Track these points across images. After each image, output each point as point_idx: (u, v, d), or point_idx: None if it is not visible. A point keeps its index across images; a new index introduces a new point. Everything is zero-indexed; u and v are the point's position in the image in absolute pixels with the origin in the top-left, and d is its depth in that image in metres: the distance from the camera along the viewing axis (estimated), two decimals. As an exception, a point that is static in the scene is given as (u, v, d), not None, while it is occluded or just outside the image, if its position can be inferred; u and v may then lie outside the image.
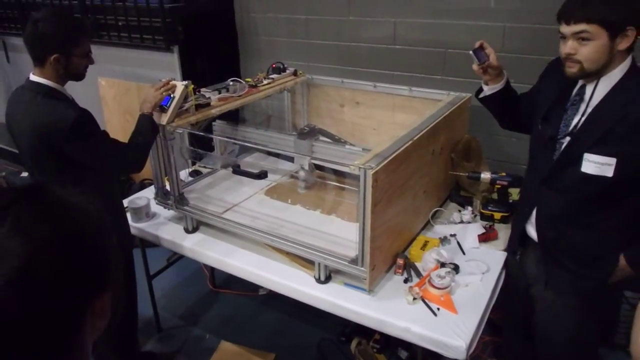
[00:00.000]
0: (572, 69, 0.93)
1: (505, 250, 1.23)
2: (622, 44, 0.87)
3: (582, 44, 0.89)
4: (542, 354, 1.12)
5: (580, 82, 0.96)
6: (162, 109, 1.28)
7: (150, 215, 1.48)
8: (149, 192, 1.56)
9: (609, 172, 0.90)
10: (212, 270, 1.99)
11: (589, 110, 0.93)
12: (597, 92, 0.92)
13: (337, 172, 1.40)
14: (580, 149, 0.93)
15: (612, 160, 0.89)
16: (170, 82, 1.30)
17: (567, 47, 0.91)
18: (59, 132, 1.06)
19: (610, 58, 0.89)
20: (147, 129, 1.23)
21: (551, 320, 1.06)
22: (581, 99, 0.96)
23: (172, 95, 1.29)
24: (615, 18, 0.85)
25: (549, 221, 1.03)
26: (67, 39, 1.08)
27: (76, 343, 0.37)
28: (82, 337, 0.37)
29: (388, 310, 1.06)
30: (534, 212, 1.06)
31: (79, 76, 1.16)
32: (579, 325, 1.03)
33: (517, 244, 1.14)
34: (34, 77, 1.13)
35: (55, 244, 0.35)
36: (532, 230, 1.09)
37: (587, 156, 0.92)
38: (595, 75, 0.92)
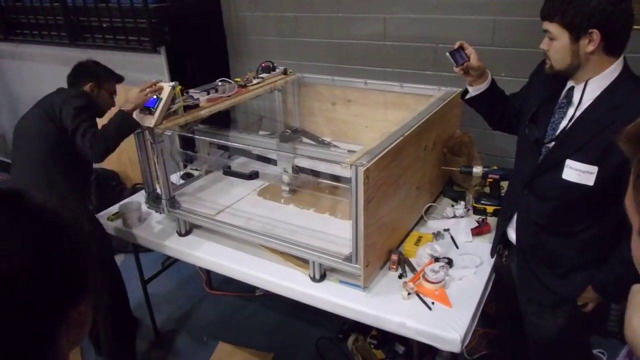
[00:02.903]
0: (546, 65, 0.95)
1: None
2: (589, 46, 0.86)
3: (551, 42, 0.90)
4: (534, 347, 1.14)
5: (568, 84, 0.95)
6: (150, 111, 1.28)
7: (142, 220, 1.49)
8: (140, 197, 1.57)
9: (590, 181, 0.88)
10: (208, 272, 2.01)
11: (577, 114, 0.92)
12: (586, 95, 0.91)
13: (322, 175, 1.41)
14: (563, 154, 0.92)
15: (594, 169, 0.87)
16: (158, 84, 1.31)
17: (542, 42, 0.93)
18: (64, 98, 1.35)
19: (578, 60, 0.88)
20: (117, 124, 1.28)
21: (540, 317, 1.08)
22: (569, 102, 0.94)
23: (159, 97, 1.29)
24: (573, 19, 0.84)
25: (528, 227, 1.03)
26: (103, 74, 1.46)
27: (51, 353, 0.36)
28: (57, 347, 0.37)
29: (383, 306, 1.09)
30: (515, 217, 1.07)
31: (102, 111, 1.46)
32: (567, 321, 1.04)
33: (502, 247, 1.16)
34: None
35: (28, 252, 0.35)
36: (512, 234, 1.10)
37: (569, 162, 0.90)
38: (567, 76, 0.92)
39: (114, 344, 1.56)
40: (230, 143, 1.38)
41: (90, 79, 1.41)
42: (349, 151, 1.20)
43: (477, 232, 1.32)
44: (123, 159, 2.39)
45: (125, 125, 1.28)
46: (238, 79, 1.59)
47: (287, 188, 1.51)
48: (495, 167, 1.40)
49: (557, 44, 0.89)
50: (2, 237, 0.34)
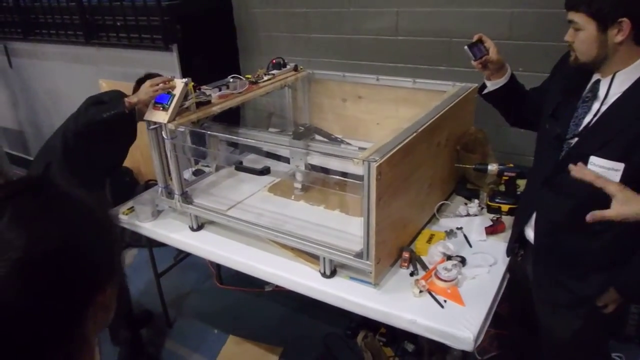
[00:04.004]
0: (571, 57, 0.92)
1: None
2: (618, 37, 0.83)
3: (576, 33, 0.87)
4: (547, 349, 1.12)
5: (594, 77, 0.92)
6: (163, 107, 1.30)
7: (155, 214, 1.52)
8: (153, 192, 1.60)
9: (616, 178, 0.85)
10: (219, 267, 2.04)
11: (603, 108, 0.88)
12: (613, 89, 0.87)
13: (334, 172, 1.40)
14: (587, 150, 0.88)
15: (620, 166, 0.84)
16: (171, 82, 1.32)
17: (567, 34, 0.90)
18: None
19: (605, 51, 0.85)
20: (106, 105, 1.33)
21: (555, 319, 1.06)
22: (594, 96, 0.91)
23: (172, 93, 1.31)
24: (601, 7, 0.82)
25: (548, 226, 1.01)
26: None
27: (79, 336, 0.37)
28: (85, 330, 0.38)
29: (394, 303, 1.09)
30: (534, 215, 1.04)
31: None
32: (583, 324, 1.01)
33: (517, 246, 1.13)
34: None
35: (56, 238, 0.35)
36: (530, 233, 1.07)
37: (593, 159, 0.87)
38: (593, 68, 0.89)
39: (120, 334, 1.64)
40: (243, 139, 1.39)
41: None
42: (359, 148, 1.19)
43: (492, 231, 1.30)
44: (136, 155, 2.44)
45: (109, 107, 1.33)
46: (249, 76, 1.60)
47: (299, 185, 1.50)
48: (511, 165, 1.38)
49: (583, 34, 0.85)
50: (36, 221, 0.35)
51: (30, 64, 2.88)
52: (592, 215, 0.79)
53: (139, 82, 1.47)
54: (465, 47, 1.10)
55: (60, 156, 1.42)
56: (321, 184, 1.49)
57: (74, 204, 0.39)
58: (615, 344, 1.45)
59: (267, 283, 1.81)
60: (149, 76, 1.47)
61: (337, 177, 1.31)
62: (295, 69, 1.77)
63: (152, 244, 1.64)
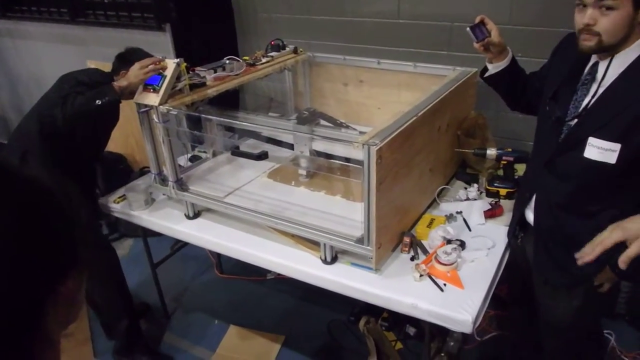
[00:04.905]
0: (588, 43, 0.88)
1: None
2: None
3: (604, 14, 0.85)
4: (546, 329, 1.17)
5: (592, 60, 0.94)
6: (154, 88, 1.27)
7: (149, 202, 1.51)
8: (148, 180, 1.59)
9: (612, 159, 0.89)
10: (219, 256, 2.05)
11: (600, 90, 0.91)
12: (611, 71, 0.90)
13: (338, 158, 1.39)
14: (586, 132, 0.92)
15: (617, 146, 0.88)
16: (161, 63, 1.29)
17: (587, 16, 0.86)
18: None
19: (629, 31, 0.86)
20: (94, 92, 1.28)
21: (555, 299, 1.11)
22: (593, 79, 0.94)
23: (163, 74, 1.28)
24: None
25: (547, 208, 1.04)
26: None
27: (39, 334, 0.34)
28: (46, 328, 0.35)
29: (395, 287, 1.12)
30: (534, 197, 1.08)
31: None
32: (581, 304, 1.06)
33: (518, 228, 1.17)
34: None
35: (4, 221, 0.32)
36: (530, 215, 1.11)
37: (592, 140, 0.90)
38: (610, 51, 0.89)
39: (117, 327, 1.63)
40: (243, 124, 1.37)
41: (128, 66, 1.33)
42: (360, 132, 1.21)
43: (490, 214, 1.35)
44: (130, 141, 2.42)
45: (101, 93, 1.27)
46: (247, 58, 1.59)
47: (304, 172, 1.50)
48: (510, 149, 1.42)
49: (616, 15, 0.84)
50: None
51: (11, 44, 2.80)
52: (623, 263, 0.78)
53: (119, 58, 1.44)
54: (467, 28, 1.12)
55: (37, 143, 1.38)
56: (325, 169, 1.49)
57: (26, 185, 0.35)
58: (605, 322, 1.52)
59: (269, 271, 1.82)
60: (130, 52, 1.44)
61: (340, 162, 1.32)
62: (295, 51, 1.76)
63: (147, 234, 1.64)
